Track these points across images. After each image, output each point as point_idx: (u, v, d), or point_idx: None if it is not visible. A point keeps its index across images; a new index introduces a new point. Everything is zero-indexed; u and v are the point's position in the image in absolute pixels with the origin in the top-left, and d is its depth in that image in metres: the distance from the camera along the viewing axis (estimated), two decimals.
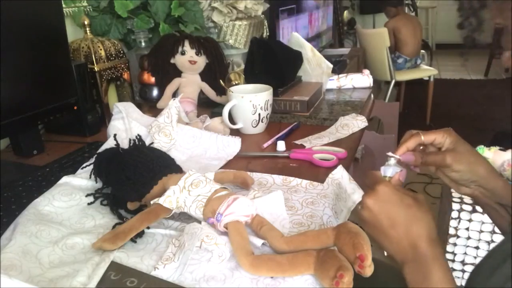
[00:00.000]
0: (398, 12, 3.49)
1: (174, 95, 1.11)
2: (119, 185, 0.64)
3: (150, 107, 1.16)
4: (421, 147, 0.62)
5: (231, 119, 0.97)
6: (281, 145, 0.87)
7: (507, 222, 0.59)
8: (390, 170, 0.57)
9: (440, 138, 0.59)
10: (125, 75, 1.13)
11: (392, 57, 3.29)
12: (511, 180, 1.43)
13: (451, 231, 1.42)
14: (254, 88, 1.01)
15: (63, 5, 1.00)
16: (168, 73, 1.11)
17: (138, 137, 0.74)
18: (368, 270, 0.46)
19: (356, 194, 0.68)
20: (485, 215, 1.32)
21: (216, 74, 1.13)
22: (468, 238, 1.41)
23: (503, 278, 0.42)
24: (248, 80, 1.13)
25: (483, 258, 0.48)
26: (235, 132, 0.97)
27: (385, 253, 0.51)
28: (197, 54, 1.09)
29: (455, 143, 0.59)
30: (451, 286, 0.46)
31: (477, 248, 1.41)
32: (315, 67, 1.25)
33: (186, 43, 1.08)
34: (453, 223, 1.42)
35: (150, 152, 0.68)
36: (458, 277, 1.47)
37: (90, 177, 0.70)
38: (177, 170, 0.67)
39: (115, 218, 0.64)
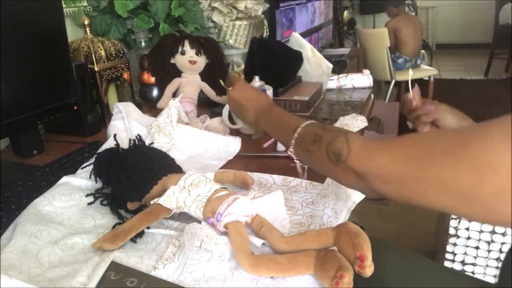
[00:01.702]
0: (399, 12, 3.49)
1: (174, 95, 1.11)
2: (119, 185, 0.64)
3: (150, 107, 1.16)
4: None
5: (231, 119, 0.97)
6: (281, 145, 0.87)
7: None
8: None
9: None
10: (125, 75, 1.13)
11: (392, 57, 3.29)
12: None
13: (451, 231, 1.42)
14: None
15: (63, 5, 1.00)
16: (168, 73, 1.11)
17: (138, 137, 0.74)
18: (368, 270, 0.46)
19: (356, 194, 0.68)
20: None
21: (216, 74, 1.13)
22: (468, 238, 1.41)
23: None
24: (248, 80, 1.13)
25: None
26: (235, 132, 0.97)
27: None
28: (197, 54, 1.09)
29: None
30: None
31: (477, 248, 1.41)
32: (315, 67, 1.25)
33: (186, 43, 1.08)
34: (453, 223, 1.42)
35: (150, 152, 0.68)
36: None
37: (90, 177, 0.70)
38: (177, 170, 0.67)
39: (115, 218, 0.64)
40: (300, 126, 0.58)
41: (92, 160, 0.72)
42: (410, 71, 0.73)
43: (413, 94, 0.71)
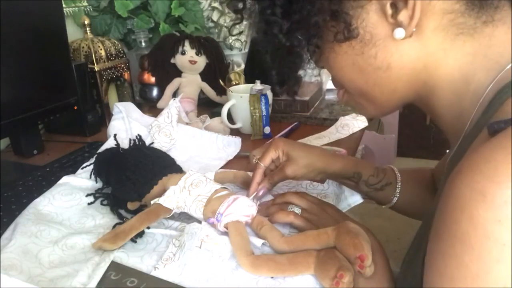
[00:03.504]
0: None
1: (174, 95, 1.11)
2: (119, 185, 0.64)
3: (150, 107, 1.16)
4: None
5: (231, 119, 0.97)
6: None
7: (359, 189, 0.67)
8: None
9: (274, 154, 0.65)
10: (125, 75, 1.13)
11: None
12: None
13: None
14: None
15: (63, 5, 1.00)
16: (168, 73, 1.11)
17: (138, 137, 0.74)
18: (368, 270, 0.46)
19: (353, 197, 0.68)
20: None
21: (216, 74, 1.13)
22: None
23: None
24: (248, 80, 1.13)
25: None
26: (235, 132, 0.97)
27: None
28: (197, 54, 1.09)
29: (287, 153, 0.64)
30: None
31: None
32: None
33: (186, 43, 1.09)
34: None
35: (150, 152, 0.68)
36: None
37: (90, 177, 0.70)
38: (177, 170, 0.67)
39: (115, 218, 0.64)
40: None
41: (92, 160, 0.72)
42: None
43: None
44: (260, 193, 0.65)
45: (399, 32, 0.41)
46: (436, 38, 0.42)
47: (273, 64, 0.49)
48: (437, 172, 0.68)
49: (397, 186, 0.66)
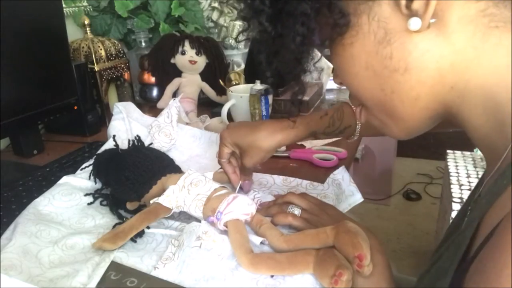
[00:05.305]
0: None
1: (174, 95, 1.11)
2: (118, 185, 0.64)
3: (150, 107, 1.16)
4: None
5: (231, 119, 0.97)
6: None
7: (320, 139, 0.72)
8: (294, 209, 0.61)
9: (227, 149, 0.68)
10: (125, 75, 1.14)
11: None
12: None
13: None
14: None
15: (64, 5, 1.00)
16: (168, 73, 1.11)
17: (137, 137, 0.74)
18: (367, 269, 0.46)
19: (353, 197, 0.68)
20: None
21: (216, 74, 1.13)
22: None
23: None
24: (248, 80, 1.13)
25: (428, 266, 0.45)
26: None
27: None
28: (197, 54, 1.09)
29: (236, 144, 0.67)
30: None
31: None
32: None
33: (186, 43, 1.09)
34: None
35: (149, 153, 0.68)
36: None
37: (89, 178, 0.70)
38: (176, 170, 0.67)
39: (115, 218, 0.64)
40: None
41: (91, 161, 0.72)
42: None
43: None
44: (247, 186, 0.68)
45: (415, 22, 0.35)
46: (463, 33, 0.35)
47: (270, 66, 0.45)
48: None
49: (357, 127, 0.69)
